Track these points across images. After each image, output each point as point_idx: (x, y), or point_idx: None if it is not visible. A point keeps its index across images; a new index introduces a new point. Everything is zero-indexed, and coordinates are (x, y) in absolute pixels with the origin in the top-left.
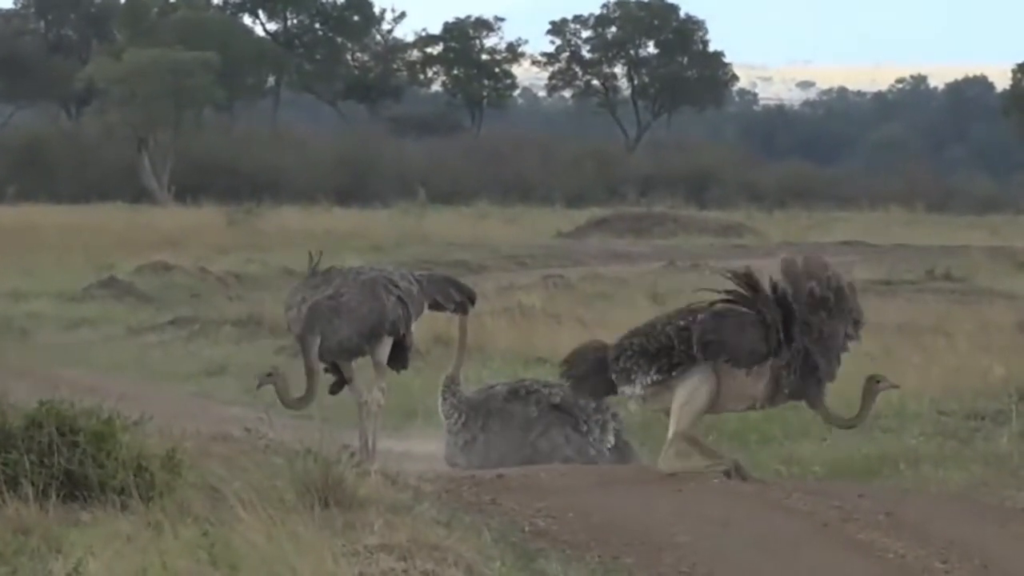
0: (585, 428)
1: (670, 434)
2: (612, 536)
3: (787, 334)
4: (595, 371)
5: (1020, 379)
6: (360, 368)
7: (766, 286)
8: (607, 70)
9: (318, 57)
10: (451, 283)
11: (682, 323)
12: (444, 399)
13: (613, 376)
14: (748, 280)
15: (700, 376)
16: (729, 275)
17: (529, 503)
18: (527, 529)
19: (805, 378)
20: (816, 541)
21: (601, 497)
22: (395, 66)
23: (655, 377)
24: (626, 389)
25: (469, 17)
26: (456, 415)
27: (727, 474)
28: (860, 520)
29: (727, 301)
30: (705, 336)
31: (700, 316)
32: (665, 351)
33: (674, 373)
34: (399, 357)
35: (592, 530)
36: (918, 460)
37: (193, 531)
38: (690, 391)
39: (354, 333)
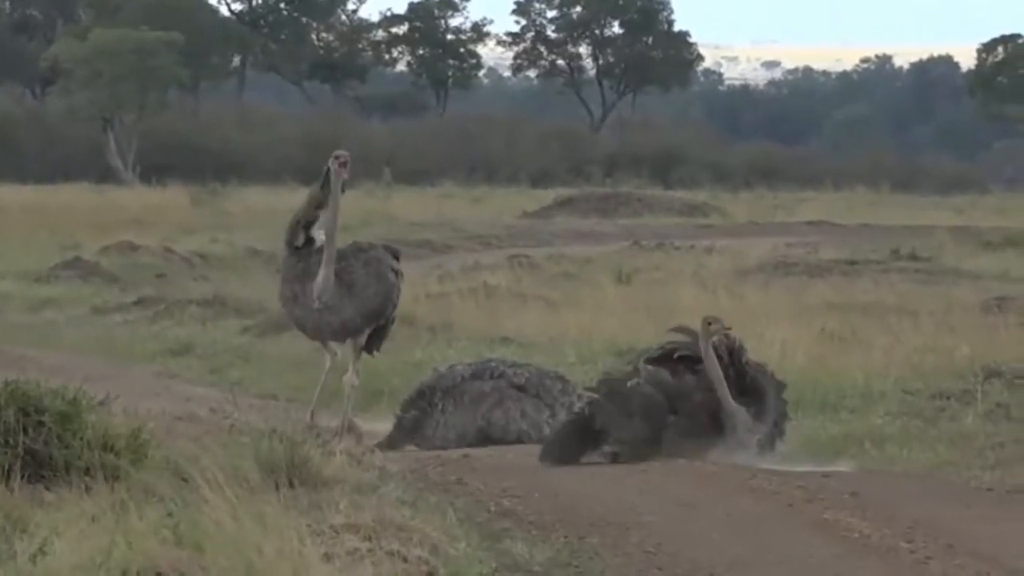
0: (546, 407)
1: None
2: (578, 516)
3: None
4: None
5: (986, 359)
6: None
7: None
8: (572, 50)
9: (283, 37)
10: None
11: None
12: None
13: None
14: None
15: None
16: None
17: (495, 483)
18: (493, 509)
19: None
20: (781, 521)
21: (567, 477)
22: (360, 46)
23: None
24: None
25: None
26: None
27: None
28: (825, 500)
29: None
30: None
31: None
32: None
33: None
34: (378, 339)
35: (558, 510)
36: (883, 440)
37: (158, 511)
38: None
39: (358, 315)
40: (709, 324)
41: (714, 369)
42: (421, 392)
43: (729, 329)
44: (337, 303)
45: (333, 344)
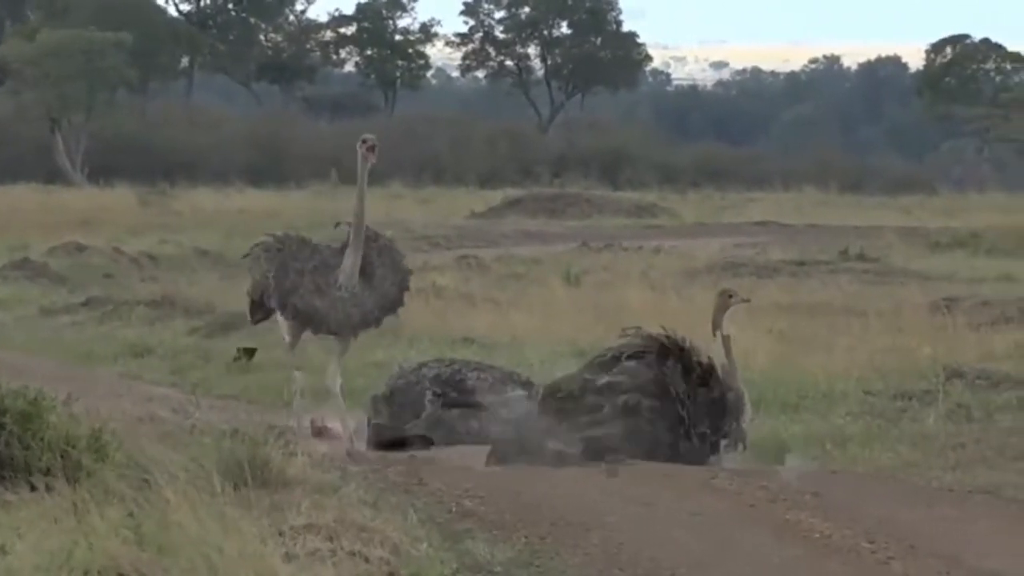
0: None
1: None
2: (539, 516)
3: None
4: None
5: (947, 359)
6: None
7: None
8: (520, 50)
9: (231, 38)
10: None
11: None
12: None
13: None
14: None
15: None
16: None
17: (456, 483)
18: (454, 509)
19: None
20: (743, 521)
21: (529, 477)
22: (308, 47)
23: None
24: (551, 445)
25: None
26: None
27: None
28: (787, 500)
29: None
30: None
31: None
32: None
33: None
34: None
35: (519, 510)
36: (845, 440)
37: (119, 512)
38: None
39: (377, 306)
40: (730, 297)
41: (730, 351)
42: (389, 396)
43: (748, 300)
44: (359, 293)
45: (336, 342)
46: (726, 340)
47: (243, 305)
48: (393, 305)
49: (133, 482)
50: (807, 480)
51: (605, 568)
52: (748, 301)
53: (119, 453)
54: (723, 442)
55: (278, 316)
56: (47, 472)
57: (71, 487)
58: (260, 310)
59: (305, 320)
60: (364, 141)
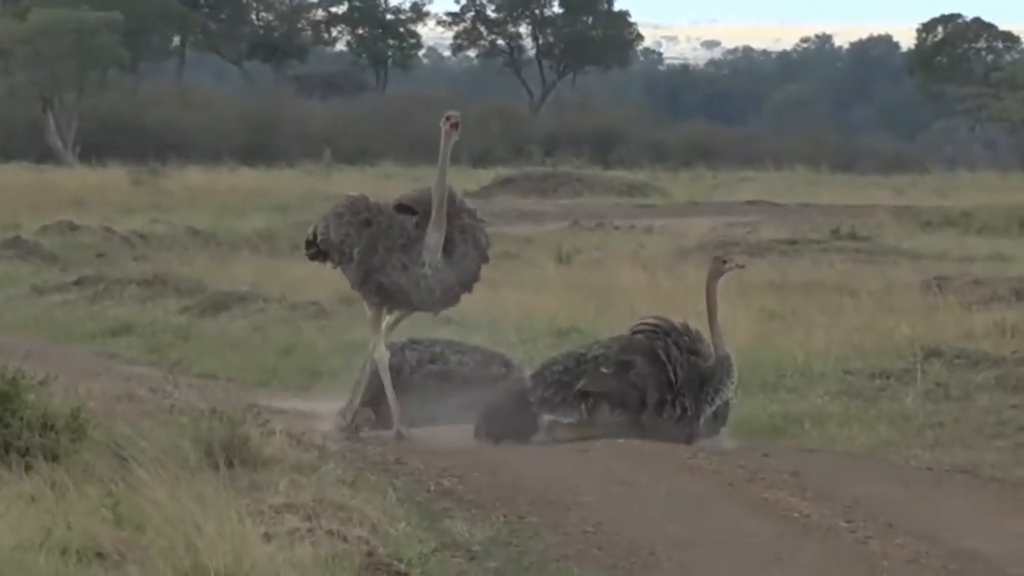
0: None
1: None
2: (518, 496)
3: None
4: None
5: (926, 338)
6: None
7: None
8: (512, 29)
9: (223, 17)
10: None
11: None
12: None
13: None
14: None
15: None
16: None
17: (435, 463)
18: (432, 489)
19: None
20: (722, 500)
21: (507, 457)
22: (300, 25)
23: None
24: (548, 416)
25: None
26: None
27: None
28: (765, 479)
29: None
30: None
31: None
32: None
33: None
34: None
35: (498, 489)
36: (823, 420)
37: (98, 491)
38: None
39: (458, 283)
40: (724, 263)
41: (715, 314)
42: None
43: (743, 266)
44: (442, 269)
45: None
46: (712, 305)
47: (235, 284)
48: (471, 281)
49: (112, 461)
50: (785, 459)
51: (584, 547)
52: (743, 267)
53: (98, 432)
54: (706, 408)
55: (357, 290)
56: (26, 452)
57: (50, 466)
58: (319, 255)
59: (387, 297)
60: (448, 118)
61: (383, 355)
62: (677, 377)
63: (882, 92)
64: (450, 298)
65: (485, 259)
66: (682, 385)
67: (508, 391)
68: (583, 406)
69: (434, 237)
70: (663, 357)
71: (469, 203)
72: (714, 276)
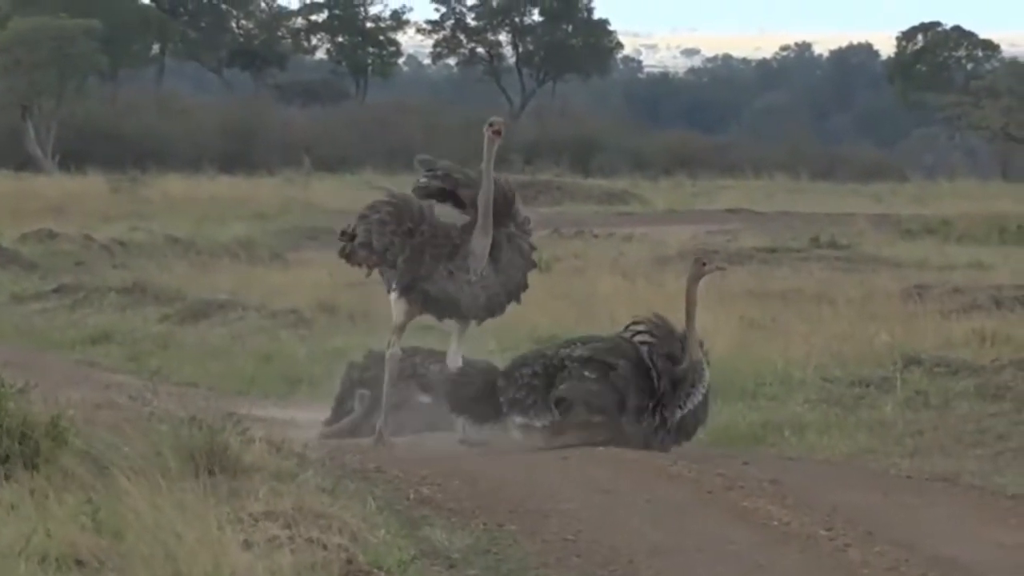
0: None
1: None
2: (497, 503)
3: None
4: (484, 395)
5: (905, 346)
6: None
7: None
8: (492, 38)
9: (203, 24)
10: None
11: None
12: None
13: (504, 404)
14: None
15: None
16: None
17: (414, 470)
18: (412, 496)
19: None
20: (701, 508)
21: (486, 464)
22: (280, 34)
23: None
24: (519, 419)
25: None
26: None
27: None
28: (745, 487)
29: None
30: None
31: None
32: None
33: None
34: None
35: (477, 497)
36: (803, 428)
37: (78, 499)
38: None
39: (504, 291)
40: (704, 264)
41: (692, 317)
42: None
43: (724, 268)
44: (487, 276)
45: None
46: (691, 308)
47: (215, 292)
48: (517, 290)
49: (91, 469)
50: (765, 467)
51: (563, 555)
52: (724, 269)
53: (77, 440)
54: (677, 413)
55: (392, 295)
56: (5, 459)
57: (29, 474)
58: (352, 256)
59: (433, 305)
60: (491, 124)
61: (395, 354)
62: (660, 384)
63: (862, 100)
64: (495, 306)
65: (532, 265)
66: (664, 392)
67: (482, 376)
68: (557, 409)
69: (480, 243)
70: (648, 363)
71: (523, 210)
72: (694, 278)
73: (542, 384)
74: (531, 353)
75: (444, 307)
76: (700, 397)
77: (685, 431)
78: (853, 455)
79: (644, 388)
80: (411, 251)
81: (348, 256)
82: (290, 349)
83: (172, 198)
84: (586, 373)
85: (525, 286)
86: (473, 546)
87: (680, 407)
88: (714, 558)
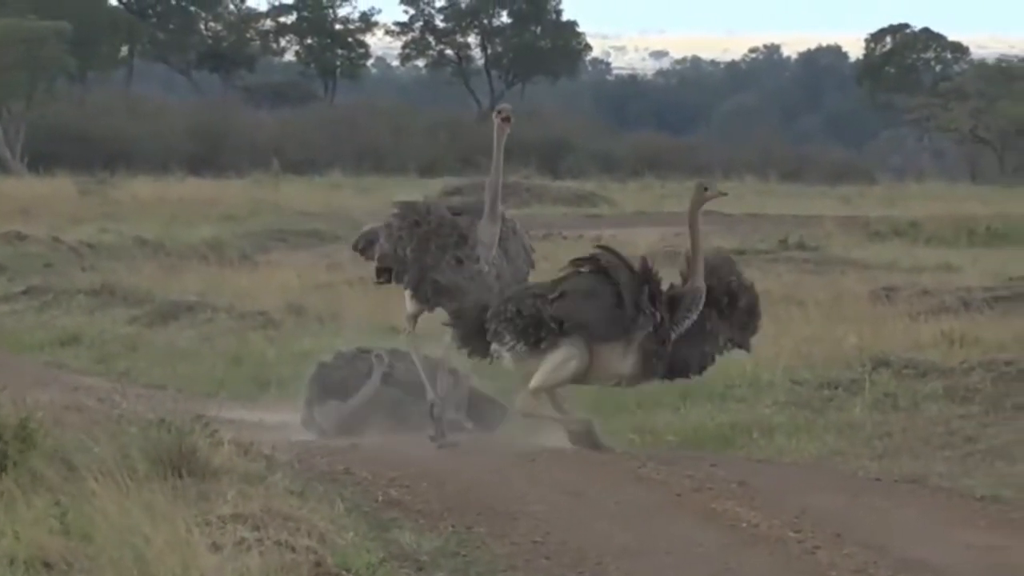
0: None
1: (529, 385)
2: (466, 505)
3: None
4: (476, 332)
5: (873, 348)
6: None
7: (632, 262)
8: (460, 40)
9: (171, 27)
10: None
11: (549, 297)
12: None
13: (488, 335)
14: (610, 254)
15: (568, 350)
16: (596, 247)
17: (383, 473)
18: (380, 499)
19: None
20: (670, 510)
21: (454, 467)
22: (248, 35)
23: (522, 348)
24: (497, 348)
25: None
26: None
27: (577, 436)
28: (713, 489)
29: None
30: (561, 314)
31: (559, 292)
32: (533, 323)
33: (542, 346)
34: None
35: (446, 499)
36: (771, 430)
37: (46, 501)
38: (557, 363)
39: (514, 281)
40: (705, 190)
41: (697, 240)
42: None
43: (726, 194)
44: (499, 264)
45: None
46: (695, 234)
47: (183, 294)
48: (523, 281)
49: (60, 471)
50: (733, 469)
51: (531, 558)
52: (726, 195)
53: (46, 442)
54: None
55: (406, 292)
56: None
57: None
58: (384, 272)
59: (446, 296)
60: (499, 112)
61: (414, 342)
62: (649, 300)
63: (830, 102)
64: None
65: (531, 266)
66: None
67: (476, 305)
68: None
69: (488, 231)
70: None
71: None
72: (696, 204)
73: (532, 311)
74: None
75: (456, 298)
76: (689, 324)
77: (675, 365)
78: (822, 457)
79: (638, 302)
80: (418, 241)
81: (379, 271)
82: (259, 351)
83: (141, 200)
84: (575, 295)
85: (527, 278)
86: (442, 548)
87: (677, 327)
88: (683, 560)
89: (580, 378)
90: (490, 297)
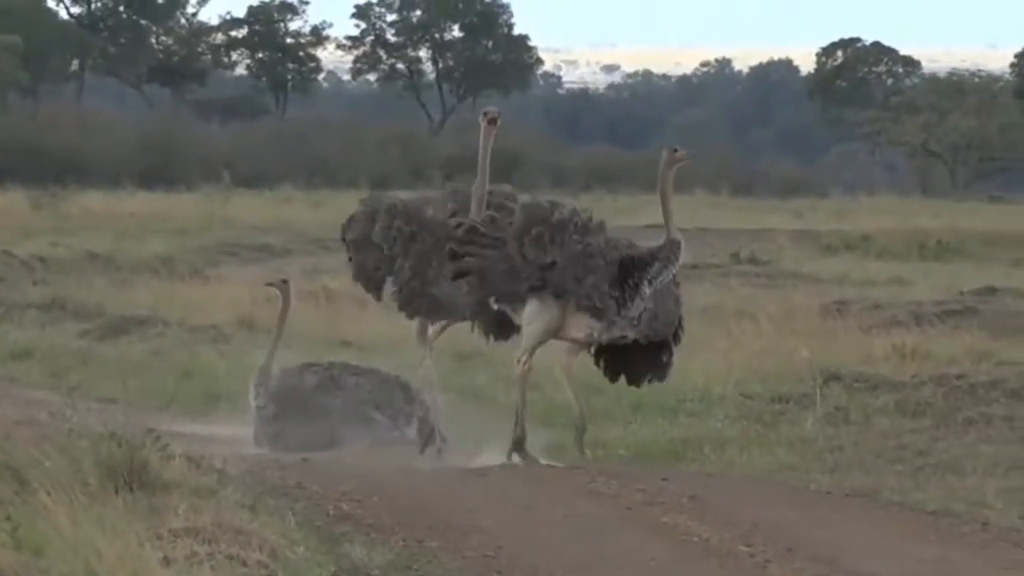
0: (392, 420)
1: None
2: (417, 520)
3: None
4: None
5: (825, 362)
6: None
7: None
8: (412, 53)
9: (122, 41)
10: None
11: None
12: (256, 392)
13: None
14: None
15: (538, 304)
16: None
17: (334, 487)
18: (332, 513)
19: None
20: (621, 524)
21: (406, 481)
22: (199, 49)
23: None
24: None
25: (273, 1)
26: (270, 407)
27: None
28: (665, 503)
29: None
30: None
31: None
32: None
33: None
34: None
35: (397, 514)
36: (723, 444)
37: None
38: (530, 316)
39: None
40: (675, 151)
41: (668, 200)
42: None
43: (696, 156)
44: None
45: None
46: (667, 191)
47: (135, 308)
48: None
49: (11, 485)
50: (684, 483)
51: (483, 571)
52: (696, 157)
53: None
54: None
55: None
56: None
57: None
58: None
59: (437, 310)
60: (485, 114)
61: (429, 370)
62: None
63: (782, 116)
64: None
65: None
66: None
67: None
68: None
69: None
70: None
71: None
72: (668, 164)
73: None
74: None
75: (450, 309)
76: (668, 277)
77: (660, 317)
78: (773, 471)
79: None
80: (416, 257)
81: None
82: (210, 365)
83: (92, 214)
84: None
85: None
86: (393, 562)
87: (650, 281)
88: (634, 574)
89: (554, 331)
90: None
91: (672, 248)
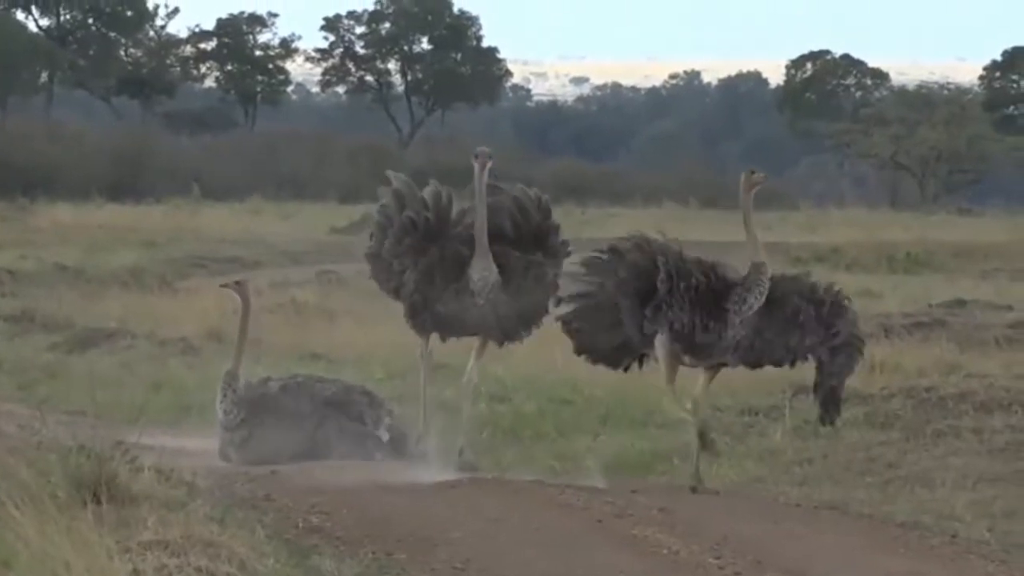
0: (360, 422)
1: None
2: (386, 532)
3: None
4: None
5: (794, 375)
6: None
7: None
8: (381, 66)
9: (91, 53)
10: None
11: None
12: (224, 395)
13: None
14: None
15: (659, 340)
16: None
17: (303, 499)
18: (301, 525)
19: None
20: (590, 537)
21: (375, 493)
22: (168, 62)
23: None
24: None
25: (242, 13)
26: (235, 412)
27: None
28: (634, 516)
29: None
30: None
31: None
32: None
33: None
34: None
35: (366, 526)
36: (692, 456)
37: None
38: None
39: (515, 315)
40: (752, 173)
41: (751, 225)
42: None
43: (767, 178)
44: (495, 299)
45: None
46: (748, 214)
47: (104, 320)
48: (534, 317)
49: None
50: (654, 496)
51: None
52: (768, 179)
53: None
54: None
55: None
56: None
57: None
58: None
59: (443, 325)
60: (476, 156)
61: (471, 378)
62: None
63: (751, 128)
64: (509, 328)
65: (555, 289)
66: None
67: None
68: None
69: (478, 268)
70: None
71: (560, 236)
72: (747, 188)
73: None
74: None
75: (448, 327)
76: (756, 301)
77: (756, 349)
78: (742, 484)
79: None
80: (421, 273)
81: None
82: (179, 377)
83: (61, 226)
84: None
85: (545, 312)
86: (362, 575)
87: (737, 310)
88: None
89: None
90: (484, 324)
91: (758, 273)
